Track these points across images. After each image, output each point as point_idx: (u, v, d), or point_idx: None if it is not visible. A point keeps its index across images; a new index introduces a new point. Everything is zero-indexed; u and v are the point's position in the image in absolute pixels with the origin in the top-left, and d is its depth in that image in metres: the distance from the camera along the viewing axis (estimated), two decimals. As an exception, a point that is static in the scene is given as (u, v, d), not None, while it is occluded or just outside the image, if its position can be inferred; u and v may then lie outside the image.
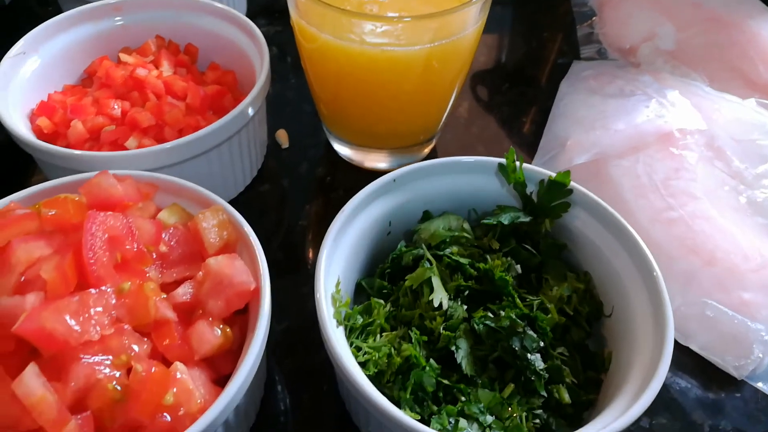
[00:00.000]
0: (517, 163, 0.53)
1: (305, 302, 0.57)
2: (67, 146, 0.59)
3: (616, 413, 0.40)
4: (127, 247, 0.42)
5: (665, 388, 0.54)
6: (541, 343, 0.46)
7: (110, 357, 0.37)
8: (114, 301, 0.39)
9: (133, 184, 0.47)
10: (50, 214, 0.40)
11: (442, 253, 0.51)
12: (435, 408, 0.44)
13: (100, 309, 0.37)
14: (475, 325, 0.46)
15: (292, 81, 0.79)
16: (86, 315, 0.37)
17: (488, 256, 0.52)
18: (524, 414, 0.44)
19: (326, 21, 0.54)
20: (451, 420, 0.43)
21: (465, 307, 0.48)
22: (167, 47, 0.69)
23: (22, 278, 0.38)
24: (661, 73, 0.78)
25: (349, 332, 0.47)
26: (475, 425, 0.43)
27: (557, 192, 0.53)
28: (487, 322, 0.46)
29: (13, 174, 0.68)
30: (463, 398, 0.44)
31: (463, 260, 0.50)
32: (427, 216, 0.55)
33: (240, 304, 0.44)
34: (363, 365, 0.44)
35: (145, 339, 0.40)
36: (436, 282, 0.49)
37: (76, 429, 0.35)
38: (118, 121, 0.60)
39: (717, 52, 0.82)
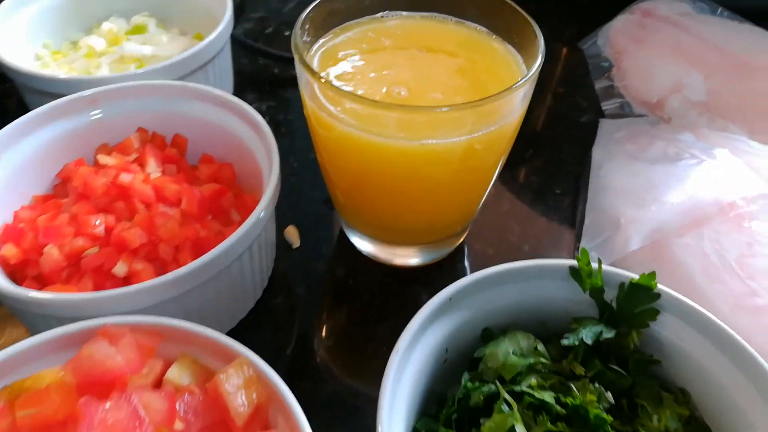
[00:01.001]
0: (594, 265, 0.45)
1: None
2: (40, 276, 0.48)
3: None
4: (136, 442, 0.31)
5: None
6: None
7: None
8: None
9: (133, 343, 0.37)
10: (28, 415, 0.30)
11: (519, 388, 0.42)
12: None
13: None
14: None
15: (294, 165, 0.70)
16: None
17: (572, 384, 0.43)
18: None
19: (354, 112, 0.45)
20: None
21: (558, 458, 0.39)
22: (152, 141, 0.59)
23: None
24: (701, 129, 0.71)
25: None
26: None
27: (642, 297, 0.45)
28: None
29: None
30: None
31: (547, 397, 0.41)
32: (488, 335, 0.46)
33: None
34: None
35: None
36: (521, 430, 0.39)
37: None
38: (102, 241, 0.50)
39: (751, 99, 0.76)
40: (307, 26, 0.50)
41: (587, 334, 0.44)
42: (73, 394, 0.32)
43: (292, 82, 0.80)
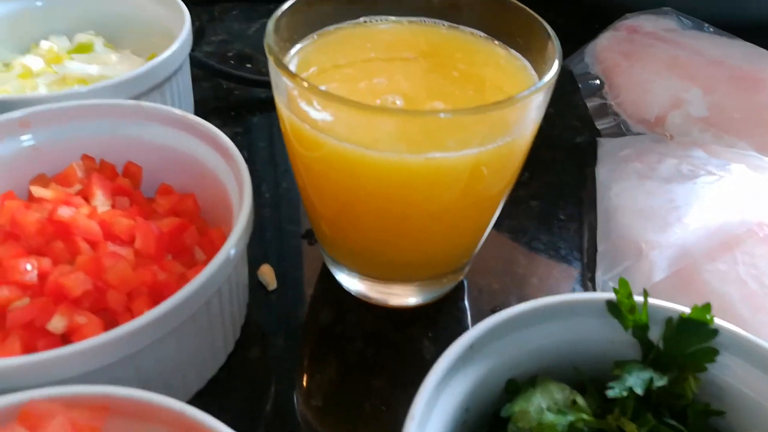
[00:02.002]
0: (638, 298, 0.37)
1: None
2: (-44, 337, 0.39)
3: None
4: None
5: None
6: None
7: None
8: None
9: (66, 427, 0.28)
10: None
11: (562, 455, 0.34)
12: None
13: None
14: None
15: (266, 195, 0.61)
16: None
17: (622, 445, 0.35)
18: None
19: (344, 121, 0.38)
20: None
21: None
22: (99, 170, 0.51)
23: None
24: (710, 146, 0.65)
25: None
26: None
27: (695, 334, 0.37)
28: None
29: None
30: None
31: (597, 465, 0.33)
32: (513, 387, 0.38)
33: None
34: None
35: None
36: None
37: None
38: (35, 290, 0.40)
39: (755, 113, 0.71)
40: (281, 26, 0.43)
41: (636, 383, 0.36)
42: None
43: (260, 106, 0.72)
